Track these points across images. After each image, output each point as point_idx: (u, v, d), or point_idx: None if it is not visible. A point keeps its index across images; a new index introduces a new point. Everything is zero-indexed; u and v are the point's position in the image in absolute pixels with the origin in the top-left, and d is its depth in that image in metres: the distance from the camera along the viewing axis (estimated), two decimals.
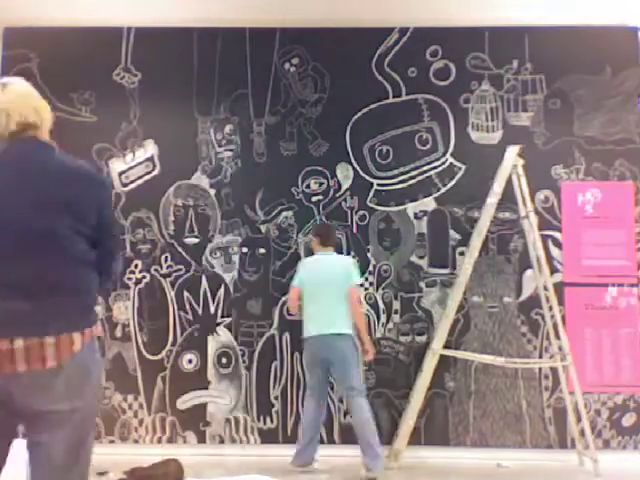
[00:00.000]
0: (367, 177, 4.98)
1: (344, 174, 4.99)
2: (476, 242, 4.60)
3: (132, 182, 5.01)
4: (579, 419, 4.41)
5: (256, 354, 4.81)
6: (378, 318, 4.82)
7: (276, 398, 4.77)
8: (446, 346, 4.55)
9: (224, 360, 4.79)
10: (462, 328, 4.78)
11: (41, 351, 1.71)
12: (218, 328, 4.82)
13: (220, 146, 5.04)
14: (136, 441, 4.74)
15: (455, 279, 4.71)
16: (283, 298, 4.83)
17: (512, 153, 4.66)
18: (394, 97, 5.05)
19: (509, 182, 4.64)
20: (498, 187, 4.63)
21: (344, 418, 4.71)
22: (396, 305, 4.83)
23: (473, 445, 4.68)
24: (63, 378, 1.74)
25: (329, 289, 4.21)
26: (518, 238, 4.85)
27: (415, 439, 4.65)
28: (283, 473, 4.16)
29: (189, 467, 4.14)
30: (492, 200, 4.62)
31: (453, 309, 4.56)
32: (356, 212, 4.95)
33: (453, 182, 4.95)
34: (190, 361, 4.78)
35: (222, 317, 4.85)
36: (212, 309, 4.84)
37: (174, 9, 4.94)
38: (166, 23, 5.03)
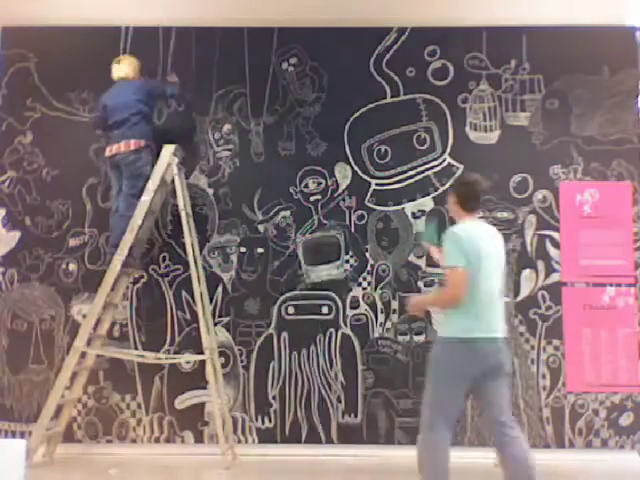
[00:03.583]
0: (365, 177, 4.98)
1: (342, 174, 4.99)
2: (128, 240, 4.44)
3: None
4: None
5: (254, 354, 4.81)
6: (376, 318, 4.82)
7: (274, 398, 4.77)
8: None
9: (222, 360, 4.78)
10: None
11: None
12: (216, 328, 4.81)
13: (218, 146, 5.03)
14: (134, 441, 4.73)
15: None
16: (281, 298, 4.84)
17: (167, 152, 4.57)
18: (392, 97, 5.05)
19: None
20: (152, 185, 4.52)
21: (342, 418, 4.71)
22: (394, 305, 4.83)
23: (471, 445, 4.68)
24: None
25: (496, 273, 3.27)
26: (516, 238, 4.86)
27: (412, 438, 4.65)
28: (281, 473, 4.16)
29: (187, 467, 4.13)
30: (145, 198, 4.50)
31: (95, 310, 4.42)
32: (354, 212, 4.95)
33: (451, 182, 4.95)
34: (188, 361, 4.77)
35: (220, 317, 4.85)
36: (210, 309, 4.82)
37: (172, 9, 4.93)
38: (164, 23, 5.02)
